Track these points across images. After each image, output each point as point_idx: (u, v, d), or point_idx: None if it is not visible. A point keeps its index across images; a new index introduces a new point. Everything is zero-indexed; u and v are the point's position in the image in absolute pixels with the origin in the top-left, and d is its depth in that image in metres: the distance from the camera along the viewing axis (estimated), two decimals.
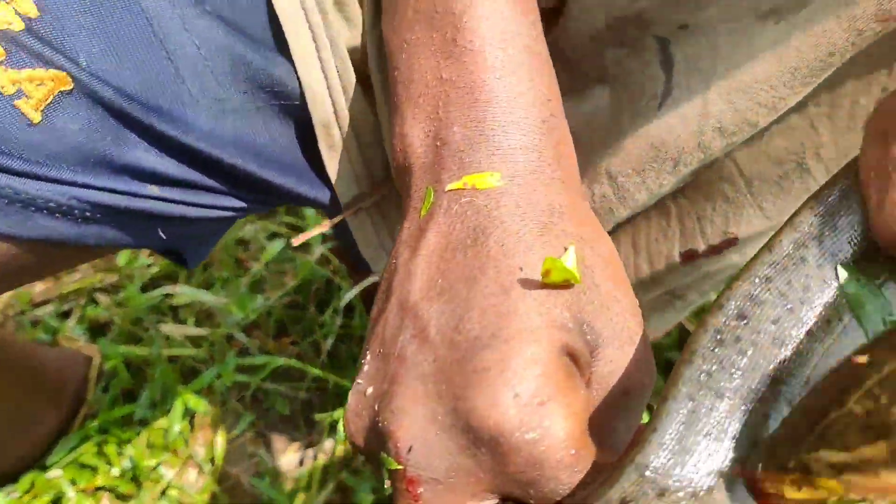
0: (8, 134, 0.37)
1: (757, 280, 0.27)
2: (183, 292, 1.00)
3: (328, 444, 1.03)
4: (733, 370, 0.27)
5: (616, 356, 0.32)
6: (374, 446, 0.32)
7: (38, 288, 1.08)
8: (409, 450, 0.30)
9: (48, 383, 0.90)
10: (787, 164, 0.50)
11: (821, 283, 0.27)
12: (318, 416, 1.03)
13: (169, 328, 1.02)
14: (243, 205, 0.49)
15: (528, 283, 0.31)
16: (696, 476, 0.27)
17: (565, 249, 0.32)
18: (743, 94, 0.43)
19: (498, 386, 0.29)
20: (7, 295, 1.07)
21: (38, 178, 0.39)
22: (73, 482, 0.90)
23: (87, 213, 0.42)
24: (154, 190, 0.43)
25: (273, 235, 1.16)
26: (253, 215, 1.18)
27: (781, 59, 0.41)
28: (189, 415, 0.99)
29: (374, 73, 0.46)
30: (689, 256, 0.56)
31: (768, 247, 0.28)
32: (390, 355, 0.32)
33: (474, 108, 0.35)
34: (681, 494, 0.27)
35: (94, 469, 0.93)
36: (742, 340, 0.27)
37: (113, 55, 0.39)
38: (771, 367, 0.27)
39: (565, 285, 0.31)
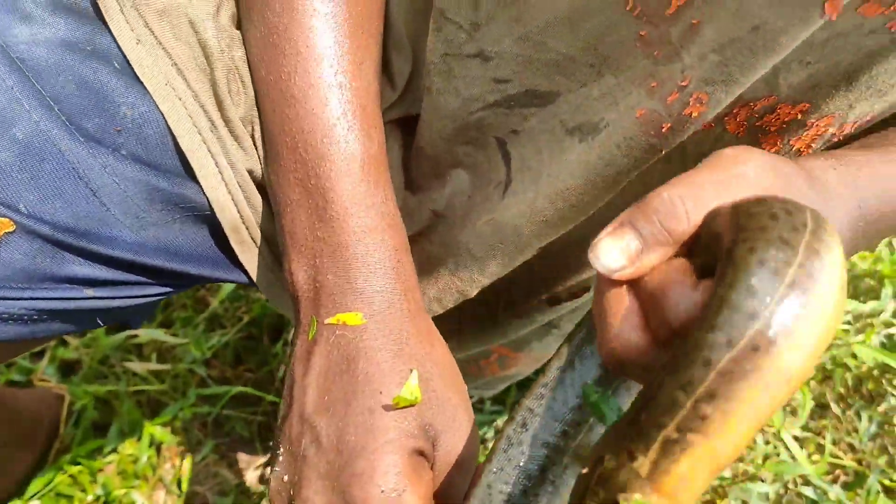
0: None
1: (534, 397, 0.42)
2: (145, 333, 1.10)
3: None
4: (517, 465, 0.42)
5: (450, 440, 0.47)
6: None
7: None
8: None
9: (24, 423, 1.00)
10: None
11: (574, 398, 0.41)
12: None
13: (134, 365, 1.12)
14: (169, 290, 0.59)
15: (386, 407, 0.45)
16: None
17: (410, 371, 0.46)
18: (559, 195, 0.54)
19: (369, 486, 0.44)
20: None
21: None
22: None
23: (35, 317, 0.52)
24: (89, 293, 0.54)
25: None
26: None
27: (584, 172, 0.52)
28: (156, 443, 1.10)
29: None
30: (554, 300, 0.68)
31: (543, 370, 0.42)
32: (297, 454, 0.47)
33: (341, 262, 0.48)
34: None
35: (69, 498, 1.03)
36: (523, 444, 0.42)
37: (47, 200, 0.49)
38: (539, 462, 0.41)
39: (411, 405, 0.46)
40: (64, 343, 1.16)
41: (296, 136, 0.50)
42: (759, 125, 0.50)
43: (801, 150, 0.51)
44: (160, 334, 1.10)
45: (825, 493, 1.14)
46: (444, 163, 0.60)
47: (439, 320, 0.72)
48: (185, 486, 1.08)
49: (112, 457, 1.07)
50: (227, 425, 1.18)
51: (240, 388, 1.13)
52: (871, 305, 1.26)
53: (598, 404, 0.40)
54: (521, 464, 0.41)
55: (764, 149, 0.52)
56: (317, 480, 0.45)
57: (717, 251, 0.32)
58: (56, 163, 0.50)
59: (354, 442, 0.45)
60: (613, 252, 0.37)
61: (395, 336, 0.48)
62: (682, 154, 0.54)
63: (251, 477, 1.15)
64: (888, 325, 1.26)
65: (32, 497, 1.00)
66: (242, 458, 1.17)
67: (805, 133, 0.50)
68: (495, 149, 0.57)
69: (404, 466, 0.44)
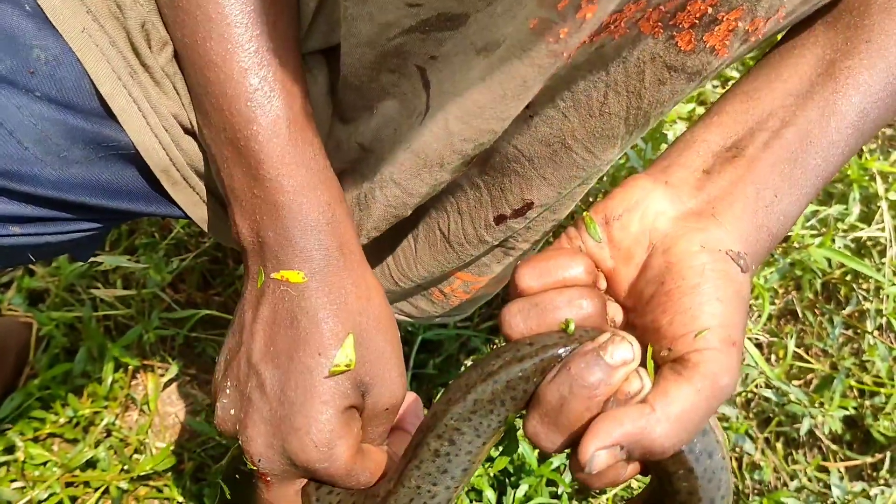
0: None
1: (462, 419, 0.47)
2: (107, 260, 1.11)
3: None
4: (444, 470, 0.49)
5: (379, 392, 0.53)
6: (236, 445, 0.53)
7: None
8: (259, 460, 0.51)
9: None
10: (555, 145, 0.61)
11: (497, 422, 0.47)
12: None
13: (100, 292, 1.14)
14: (102, 225, 0.60)
15: (323, 371, 0.51)
16: None
17: (348, 335, 0.51)
18: (470, 114, 0.54)
19: (305, 439, 0.50)
20: None
21: None
22: (22, 434, 1.04)
23: None
24: (15, 230, 0.55)
25: None
26: None
27: (491, 86, 0.52)
28: (123, 366, 1.12)
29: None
30: (500, 219, 0.69)
31: (469, 394, 0.47)
32: (243, 393, 0.52)
33: (279, 221, 0.52)
34: None
35: (42, 420, 1.06)
36: (450, 455, 0.48)
37: None
38: (462, 467, 0.48)
39: (347, 370, 0.51)
40: (30, 272, 1.18)
41: (220, 99, 0.52)
42: (673, 23, 0.50)
43: (716, 47, 0.51)
44: (122, 261, 1.11)
45: (785, 393, 1.16)
46: (371, 93, 0.60)
47: (394, 243, 0.73)
48: (153, 406, 1.11)
49: (82, 381, 1.10)
50: (197, 347, 1.20)
51: (206, 312, 1.15)
52: (836, 209, 1.24)
53: (513, 430, 0.51)
54: (448, 470, 0.48)
55: (679, 46, 0.51)
56: (260, 423, 0.51)
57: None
58: None
59: (294, 397, 0.50)
60: (601, 461, 0.41)
61: (335, 294, 0.52)
62: (601, 59, 0.53)
63: None
64: (854, 228, 1.25)
65: (3, 420, 1.04)
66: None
67: (717, 28, 0.50)
68: (417, 78, 0.57)
69: (337, 423, 0.50)
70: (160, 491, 1.07)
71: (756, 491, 1.14)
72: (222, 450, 1.12)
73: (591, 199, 1.32)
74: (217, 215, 0.65)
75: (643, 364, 0.44)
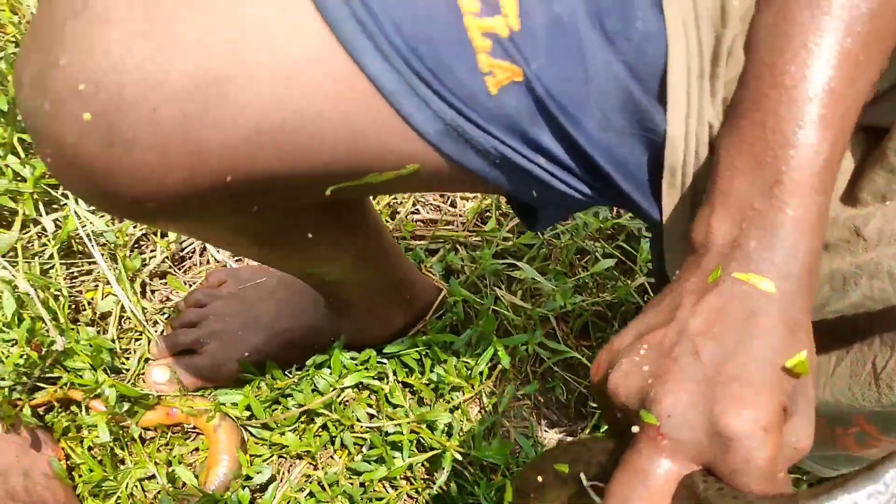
0: (475, 96, 0.57)
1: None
2: (525, 269, 1.21)
3: None
4: None
5: (798, 424, 0.50)
6: (633, 404, 0.50)
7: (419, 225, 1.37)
8: (669, 416, 0.48)
9: (404, 292, 1.16)
10: None
11: None
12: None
13: (502, 293, 1.23)
14: (594, 194, 0.65)
15: (776, 364, 0.49)
16: None
17: (798, 352, 0.49)
18: None
19: (745, 412, 0.46)
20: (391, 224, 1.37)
21: (479, 128, 0.59)
22: (383, 375, 1.16)
23: (497, 161, 0.61)
24: (542, 161, 0.61)
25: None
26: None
27: None
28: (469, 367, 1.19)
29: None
30: None
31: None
32: (667, 356, 0.50)
33: (770, 238, 0.51)
34: None
35: (409, 370, 1.17)
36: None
37: (552, 66, 0.57)
38: None
39: (796, 375, 0.49)
40: (455, 250, 1.32)
41: (766, 115, 0.53)
42: None
43: None
44: (534, 273, 1.20)
45: None
46: None
47: (816, 346, 0.70)
48: None
49: (450, 357, 1.18)
50: None
51: None
52: None
53: None
54: None
55: None
56: (686, 381, 0.48)
57: None
58: (572, 42, 0.58)
59: (737, 372, 0.48)
60: None
61: (793, 321, 0.50)
62: None
63: None
64: None
65: (381, 352, 1.17)
66: None
67: None
68: None
69: (774, 410, 0.47)
70: None
71: None
72: None
73: None
74: (680, 230, 0.68)
75: None
